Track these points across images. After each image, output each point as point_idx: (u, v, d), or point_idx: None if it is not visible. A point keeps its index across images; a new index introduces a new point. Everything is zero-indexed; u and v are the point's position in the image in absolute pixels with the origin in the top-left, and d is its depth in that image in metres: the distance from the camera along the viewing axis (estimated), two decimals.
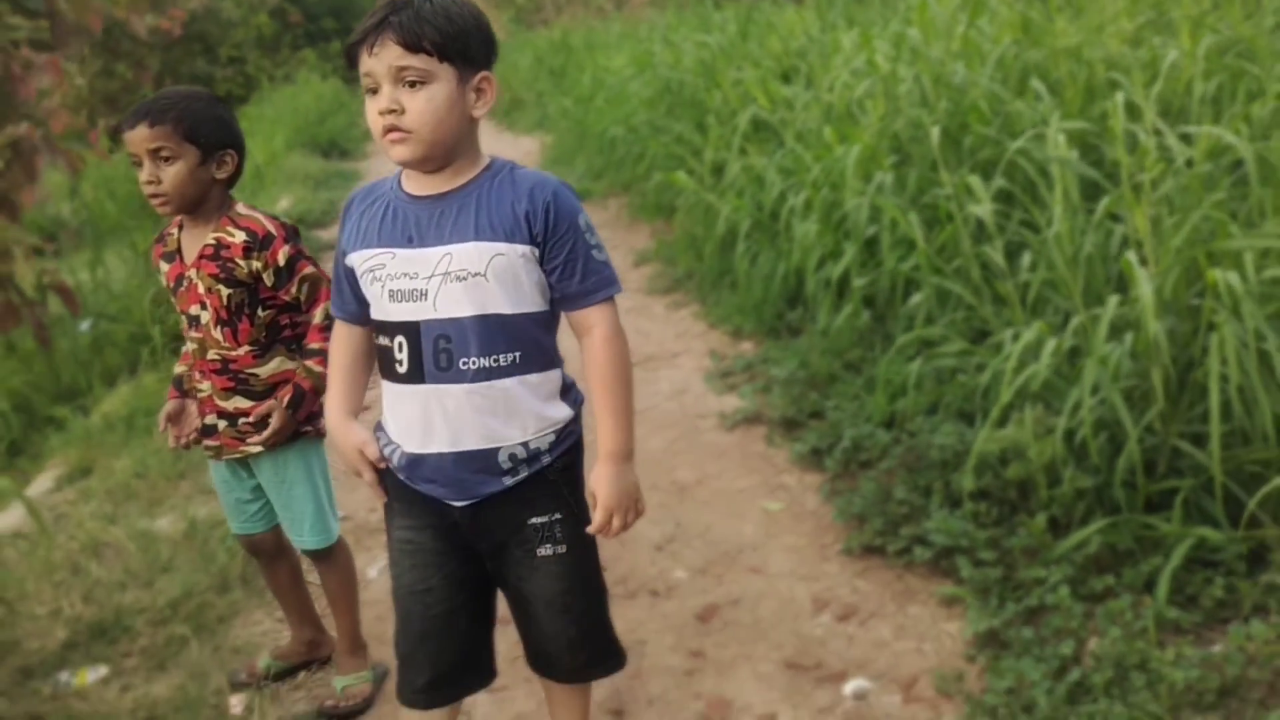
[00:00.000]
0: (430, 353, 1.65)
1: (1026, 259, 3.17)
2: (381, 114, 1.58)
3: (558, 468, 1.75)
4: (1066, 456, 2.54)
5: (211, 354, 2.22)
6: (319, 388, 2.17)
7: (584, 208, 1.71)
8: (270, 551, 2.45)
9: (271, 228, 2.18)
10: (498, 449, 1.70)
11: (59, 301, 5.21)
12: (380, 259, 1.68)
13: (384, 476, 1.80)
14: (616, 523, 1.74)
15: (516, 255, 1.63)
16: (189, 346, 2.28)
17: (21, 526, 3.42)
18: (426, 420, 1.69)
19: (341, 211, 1.79)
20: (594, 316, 1.70)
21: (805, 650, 2.51)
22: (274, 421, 2.19)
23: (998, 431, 2.64)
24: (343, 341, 1.84)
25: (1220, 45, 3.86)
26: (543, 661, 1.91)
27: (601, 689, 2.43)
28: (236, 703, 2.50)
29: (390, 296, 1.67)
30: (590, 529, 1.74)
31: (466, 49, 1.59)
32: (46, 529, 3.23)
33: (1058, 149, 2.99)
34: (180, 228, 2.26)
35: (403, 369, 1.68)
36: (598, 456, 1.73)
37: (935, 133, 3.38)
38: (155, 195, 2.12)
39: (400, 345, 1.68)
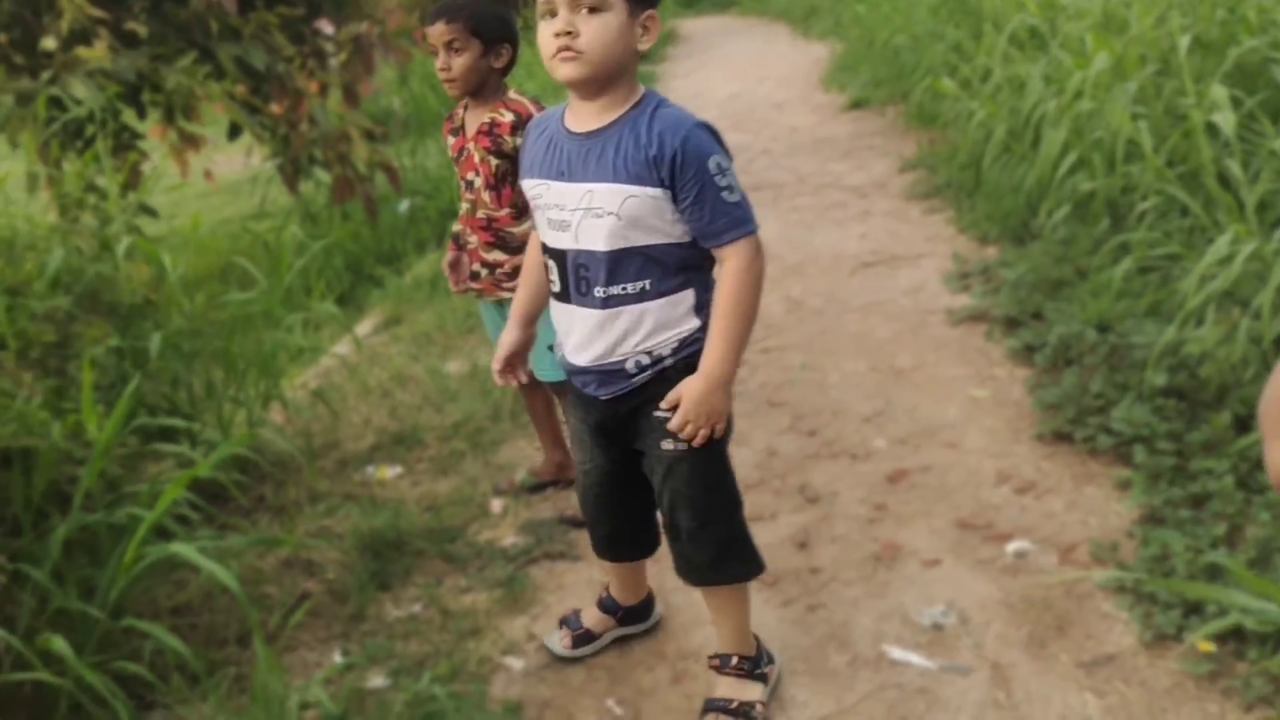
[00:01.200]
0: (573, 278, 1.84)
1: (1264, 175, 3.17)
2: (556, 35, 1.69)
3: (679, 367, 1.86)
4: (1256, 359, 2.63)
5: (480, 213, 2.66)
6: None
7: (721, 148, 1.78)
8: (530, 380, 2.90)
9: (535, 111, 2.54)
10: (624, 359, 1.87)
11: (385, 179, 6.05)
12: (539, 189, 1.86)
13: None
14: (690, 430, 1.84)
15: (648, 197, 1.74)
16: (463, 207, 2.72)
17: (349, 356, 4.18)
18: (571, 331, 1.91)
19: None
20: (725, 252, 1.79)
21: (979, 513, 2.78)
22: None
23: (1195, 332, 2.75)
24: (532, 249, 2.05)
25: None
26: (676, 560, 2.08)
27: (790, 525, 2.82)
28: (497, 505, 3.07)
29: (548, 224, 1.86)
30: (670, 426, 1.85)
31: None
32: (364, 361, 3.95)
33: None
34: (465, 109, 2.68)
35: (555, 288, 1.91)
36: (698, 369, 1.84)
37: (1185, 40, 3.38)
38: (448, 80, 2.56)
39: (552, 268, 1.89)
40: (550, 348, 2.69)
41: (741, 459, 3.18)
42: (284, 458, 3.26)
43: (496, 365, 2.17)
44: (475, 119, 2.64)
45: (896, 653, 2.29)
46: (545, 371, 2.71)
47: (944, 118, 5.74)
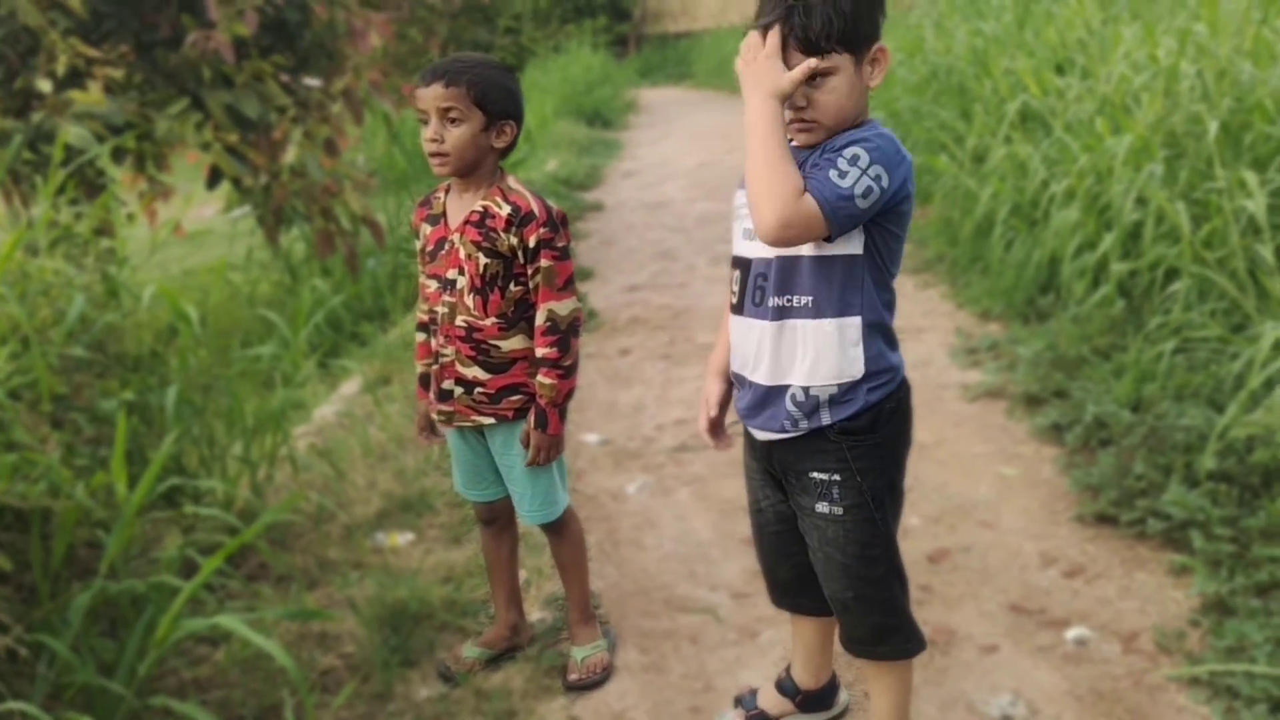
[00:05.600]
0: (751, 288, 1.82)
1: None
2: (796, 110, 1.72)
3: (837, 429, 1.81)
4: None
5: (460, 319, 2.23)
6: (553, 399, 2.22)
7: (900, 163, 1.71)
8: (502, 520, 2.49)
9: (535, 207, 2.19)
10: (786, 387, 1.81)
11: (368, 234, 5.90)
12: (745, 197, 1.82)
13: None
14: None
15: None
16: (440, 310, 2.26)
17: (342, 416, 4.00)
18: (743, 347, 1.87)
19: None
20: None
21: (1030, 597, 2.69)
22: (531, 449, 2.25)
23: (1247, 416, 2.71)
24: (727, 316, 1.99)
25: None
26: (840, 628, 2.00)
27: None
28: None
29: (744, 234, 1.85)
30: None
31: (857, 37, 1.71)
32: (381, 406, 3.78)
33: None
34: (447, 192, 2.29)
35: (734, 300, 1.87)
36: None
37: (1214, 126, 3.42)
38: (437, 154, 2.15)
39: (735, 278, 1.86)
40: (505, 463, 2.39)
41: None
42: (287, 522, 3.07)
43: (704, 425, 2.06)
44: (462, 206, 2.24)
45: None
46: (532, 509, 2.38)
47: (937, 194, 5.77)
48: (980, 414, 3.78)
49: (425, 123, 2.16)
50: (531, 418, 2.25)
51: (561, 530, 2.44)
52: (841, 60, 1.69)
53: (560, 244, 2.21)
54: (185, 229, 6.12)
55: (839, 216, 1.66)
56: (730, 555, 3.01)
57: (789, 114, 1.71)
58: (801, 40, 1.67)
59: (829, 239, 1.72)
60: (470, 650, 2.53)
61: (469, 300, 2.22)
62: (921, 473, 3.39)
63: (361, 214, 5.58)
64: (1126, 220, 3.83)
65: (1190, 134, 3.90)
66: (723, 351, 2.04)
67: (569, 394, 2.26)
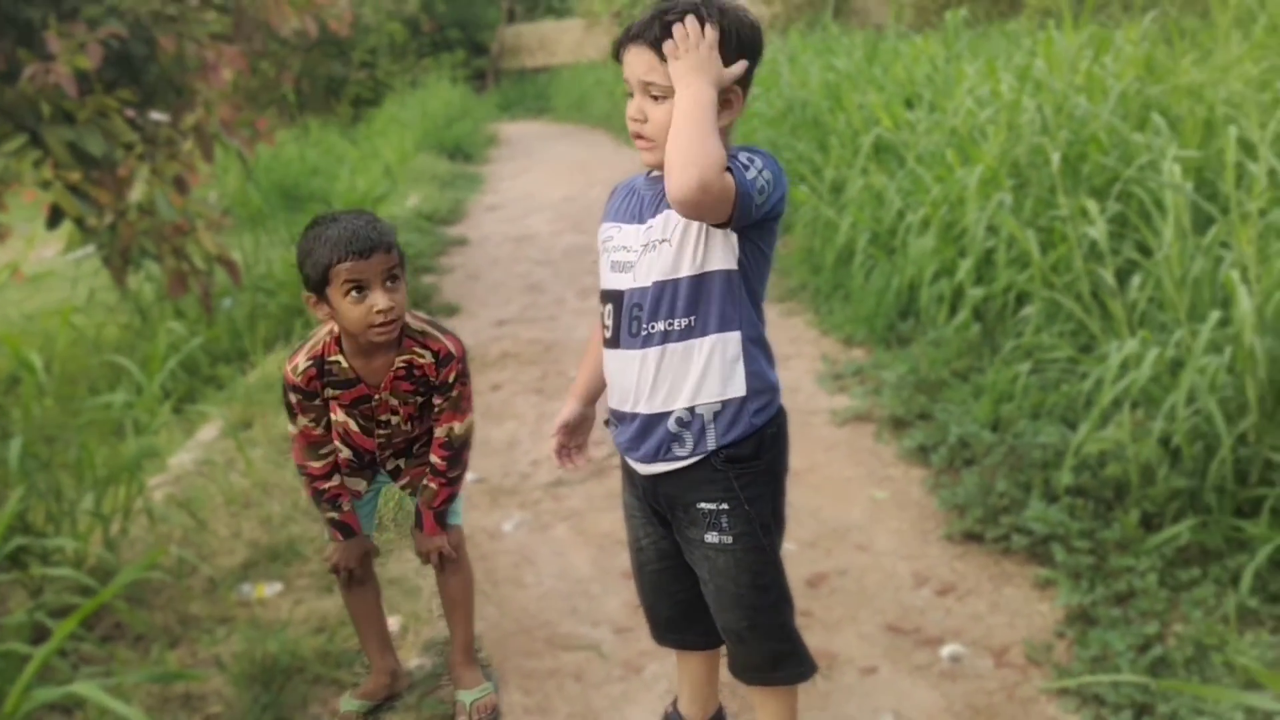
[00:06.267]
0: (626, 319, 1.80)
1: (1136, 280, 3.36)
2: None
3: (723, 457, 1.81)
4: (1162, 459, 2.74)
5: (398, 438, 2.33)
6: (429, 502, 2.33)
7: (782, 177, 1.74)
8: (367, 567, 2.47)
9: (451, 346, 2.24)
10: (669, 413, 1.80)
11: (222, 273, 5.70)
12: (610, 231, 1.87)
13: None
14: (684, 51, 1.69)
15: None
16: (367, 443, 2.31)
17: (201, 463, 3.83)
18: (621, 382, 1.85)
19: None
20: None
21: (905, 617, 2.75)
22: (447, 553, 2.38)
23: (1098, 432, 2.84)
24: (593, 339, 2.02)
25: None
26: (729, 658, 2.01)
27: None
28: (394, 622, 2.82)
29: (611, 266, 1.84)
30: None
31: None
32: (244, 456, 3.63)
33: (1171, 176, 3.19)
34: (338, 352, 2.21)
35: (608, 334, 1.86)
36: None
37: (1056, 158, 3.60)
38: (392, 322, 2.11)
39: (608, 312, 1.85)
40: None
41: None
42: (145, 578, 2.91)
43: (554, 444, 2.06)
44: (380, 367, 2.22)
45: None
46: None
47: (797, 224, 5.91)
48: (849, 438, 3.86)
49: (363, 294, 2.08)
50: (429, 517, 2.36)
51: (459, 562, 2.45)
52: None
53: (467, 371, 2.30)
54: (24, 272, 5.80)
55: (745, 203, 1.67)
56: (611, 590, 2.98)
57: (632, 125, 1.76)
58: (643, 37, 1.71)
59: (725, 225, 1.71)
60: (348, 703, 2.45)
61: (406, 427, 2.32)
62: (796, 498, 3.42)
63: (216, 253, 5.39)
64: (979, 247, 3.99)
65: (1033, 165, 4.09)
66: (584, 376, 2.06)
67: (448, 500, 2.36)
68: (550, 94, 19.86)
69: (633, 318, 1.80)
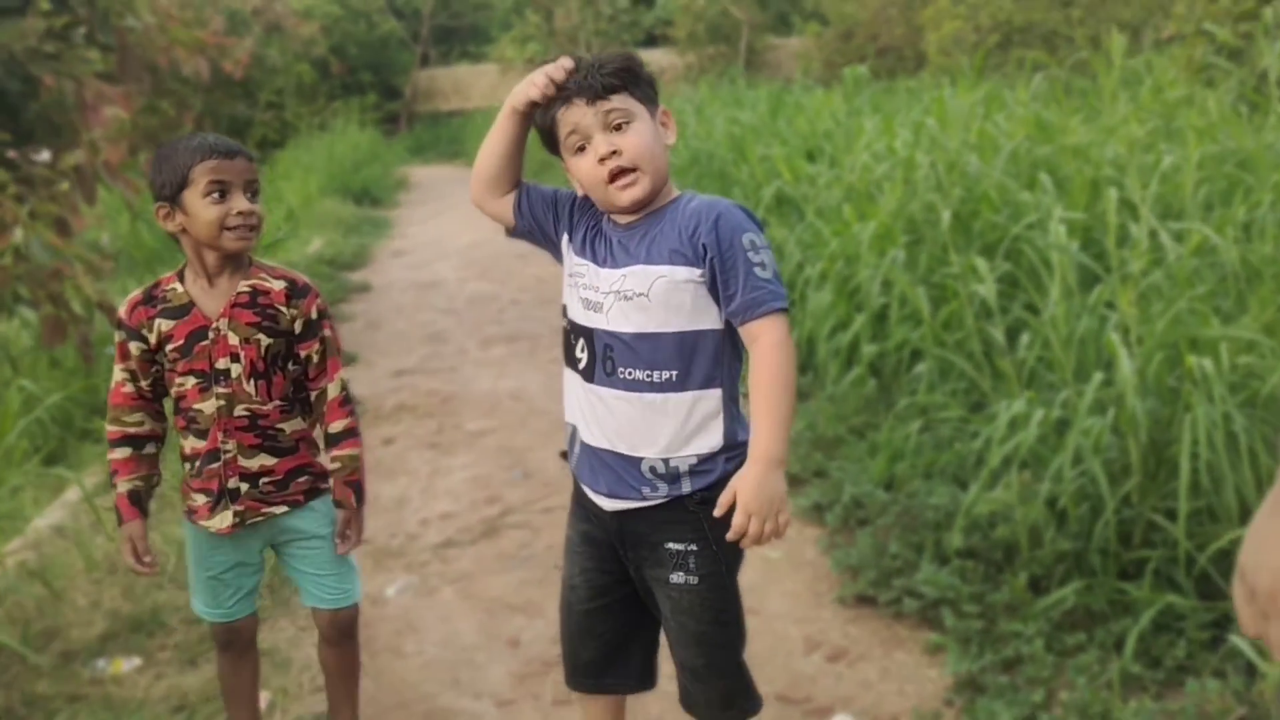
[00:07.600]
0: (600, 357, 1.80)
1: (1025, 339, 3.39)
2: (603, 160, 1.75)
3: (697, 499, 1.80)
4: (1049, 521, 2.73)
5: (240, 410, 2.06)
6: (357, 468, 2.19)
7: (756, 225, 1.78)
8: (244, 642, 2.30)
9: (305, 279, 2.14)
10: (641, 459, 1.80)
11: (104, 321, 5.45)
12: (581, 268, 1.85)
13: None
14: (754, 528, 1.68)
15: (679, 279, 1.74)
16: (205, 407, 2.06)
17: (62, 526, 3.61)
18: (593, 414, 1.83)
19: (569, 195, 1.92)
20: (757, 329, 1.71)
21: (796, 685, 2.68)
22: (355, 528, 2.21)
23: (988, 493, 2.83)
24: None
25: (1221, 155, 4.11)
26: (682, 693, 1.98)
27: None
28: (264, 698, 2.66)
29: (581, 302, 1.84)
30: (730, 535, 1.70)
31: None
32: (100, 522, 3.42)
33: (1057, 237, 3.23)
34: (180, 281, 2.06)
35: (581, 365, 1.84)
36: (748, 458, 1.71)
37: (946, 215, 3.63)
38: (254, 226, 2.03)
39: (582, 346, 1.84)
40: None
41: (536, 632, 2.96)
42: None
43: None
44: (219, 293, 2.06)
45: None
46: (353, 588, 2.30)
47: None
48: None
49: (222, 197, 2.01)
50: (351, 498, 2.20)
51: (354, 634, 2.32)
52: (634, 106, 1.76)
53: (330, 312, 2.17)
54: None
55: (786, 296, 1.75)
56: (496, 658, 2.87)
57: (602, 169, 1.74)
58: (587, 87, 1.74)
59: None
60: None
61: (249, 387, 2.07)
62: None
63: (96, 298, 5.15)
64: (874, 303, 4.00)
65: (927, 221, 4.13)
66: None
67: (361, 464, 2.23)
68: (464, 138, 19.75)
69: (606, 358, 1.81)
